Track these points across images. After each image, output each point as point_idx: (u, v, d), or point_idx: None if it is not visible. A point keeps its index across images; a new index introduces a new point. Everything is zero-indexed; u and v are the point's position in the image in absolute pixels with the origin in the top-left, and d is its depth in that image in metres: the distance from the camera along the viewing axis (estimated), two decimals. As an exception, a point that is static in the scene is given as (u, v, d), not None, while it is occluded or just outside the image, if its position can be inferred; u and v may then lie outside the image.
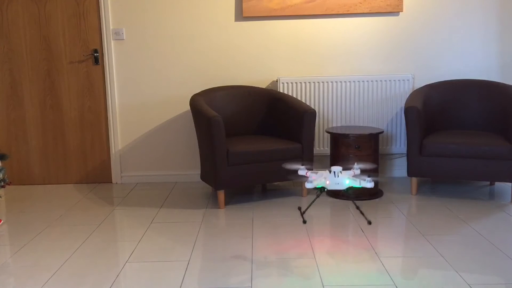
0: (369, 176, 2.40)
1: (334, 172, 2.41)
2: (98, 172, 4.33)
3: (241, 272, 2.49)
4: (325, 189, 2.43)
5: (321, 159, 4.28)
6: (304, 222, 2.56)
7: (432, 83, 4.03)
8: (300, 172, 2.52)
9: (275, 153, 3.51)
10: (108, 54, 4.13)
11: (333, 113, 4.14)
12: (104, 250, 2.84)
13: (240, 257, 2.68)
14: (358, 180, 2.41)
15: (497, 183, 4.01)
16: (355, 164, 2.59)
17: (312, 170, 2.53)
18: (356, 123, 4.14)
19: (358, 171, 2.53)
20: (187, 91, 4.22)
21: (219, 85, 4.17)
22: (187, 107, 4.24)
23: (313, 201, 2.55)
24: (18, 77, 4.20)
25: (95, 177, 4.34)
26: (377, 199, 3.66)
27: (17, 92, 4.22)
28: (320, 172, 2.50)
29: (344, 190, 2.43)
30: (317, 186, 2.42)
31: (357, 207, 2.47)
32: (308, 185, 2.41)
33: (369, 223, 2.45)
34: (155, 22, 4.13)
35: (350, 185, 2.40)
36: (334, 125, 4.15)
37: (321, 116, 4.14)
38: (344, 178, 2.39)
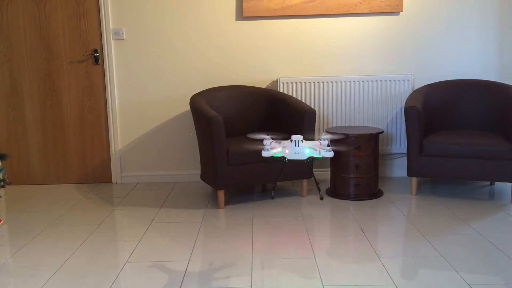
0: (328, 146, 2.34)
1: (295, 141, 2.35)
2: (98, 172, 4.33)
3: (241, 272, 2.49)
4: (286, 159, 2.37)
5: (321, 159, 4.29)
6: (272, 198, 2.47)
7: (432, 83, 4.03)
8: (265, 142, 2.48)
9: (275, 153, 3.51)
10: (108, 54, 4.13)
11: (333, 113, 4.14)
12: (104, 250, 2.84)
13: (240, 257, 2.68)
14: (318, 150, 2.35)
15: (497, 183, 4.01)
16: (323, 134, 2.53)
17: (277, 140, 2.47)
18: (356, 123, 4.14)
19: (326, 142, 2.45)
20: (187, 91, 4.22)
21: (219, 85, 4.17)
22: (187, 107, 4.24)
23: (280, 171, 2.48)
24: (18, 77, 4.20)
25: (95, 177, 4.34)
26: (377, 199, 3.66)
27: (17, 92, 4.22)
28: (283, 141, 2.45)
29: (304, 160, 2.38)
30: (274, 155, 2.37)
31: (317, 183, 2.42)
32: (264, 154, 2.34)
33: (321, 198, 2.40)
34: (155, 22, 4.13)
35: (311, 155, 2.35)
36: (334, 125, 4.15)
37: (321, 116, 4.14)
38: (305, 148, 2.34)
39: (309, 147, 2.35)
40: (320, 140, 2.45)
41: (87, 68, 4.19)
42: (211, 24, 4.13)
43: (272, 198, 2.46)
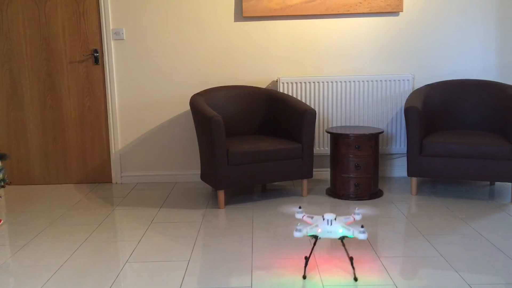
0: (362, 227, 2.36)
1: (328, 220, 2.35)
2: (98, 172, 4.33)
3: (241, 272, 2.49)
4: (318, 237, 2.38)
5: (321, 159, 4.29)
6: (304, 277, 2.48)
7: (432, 83, 4.03)
8: (297, 216, 2.51)
9: (275, 153, 3.51)
10: (108, 54, 4.13)
11: (333, 113, 4.14)
12: (104, 250, 2.84)
13: (240, 257, 2.68)
14: (351, 230, 2.35)
15: (497, 183, 4.01)
16: (356, 208, 2.54)
17: (309, 215, 2.51)
18: (356, 123, 4.14)
19: (359, 216, 2.46)
20: (187, 91, 4.22)
21: (219, 85, 4.17)
22: (187, 107, 4.24)
23: (312, 249, 2.51)
24: (18, 77, 4.20)
25: (95, 177, 4.34)
26: (377, 199, 3.66)
27: (17, 92, 4.22)
28: (315, 217, 2.46)
29: (337, 238, 2.39)
30: (308, 235, 2.38)
31: (350, 259, 2.43)
32: (296, 235, 2.35)
33: (355, 279, 2.41)
34: (155, 22, 4.13)
35: (344, 235, 2.35)
36: (334, 125, 4.15)
37: (321, 116, 4.14)
38: (337, 227, 2.34)
39: (342, 226, 2.34)
40: (354, 215, 2.45)
41: (87, 68, 4.19)
42: (211, 24, 4.13)
43: (305, 278, 2.45)
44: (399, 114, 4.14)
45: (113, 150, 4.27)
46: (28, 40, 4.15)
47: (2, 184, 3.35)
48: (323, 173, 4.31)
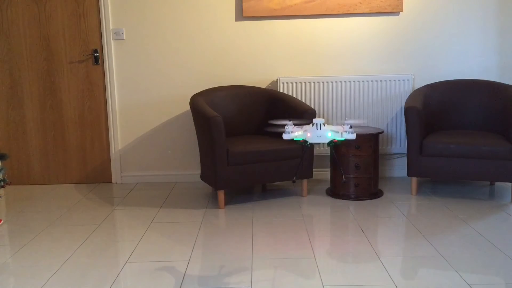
0: (350, 127, 2.30)
1: (317, 124, 2.30)
2: (98, 172, 4.33)
3: (241, 272, 2.49)
4: (308, 143, 2.34)
5: (321, 159, 4.29)
6: (294, 181, 2.46)
7: (432, 83, 4.03)
8: (287, 128, 2.44)
9: (275, 153, 3.51)
10: (108, 54, 4.13)
11: (333, 113, 4.14)
12: (104, 250, 2.84)
13: (240, 257, 2.68)
14: (340, 132, 2.31)
15: (497, 183, 4.01)
16: (346, 119, 2.49)
17: (298, 125, 2.45)
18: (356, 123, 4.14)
19: (348, 126, 2.42)
20: (187, 91, 4.22)
21: (219, 85, 4.17)
22: (187, 107, 4.24)
23: (302, 156, 2.45)
24: (18, 77, 4.20)
25: (95, 177, 4.34)
26: (377, 199, 3.66)
27: (17, 92, 4.22)
28: (304, 126, 2.40)
29: (327, 143, 2.33)
30: (295, 139, 2.33)
31: (339, 165, 2.39)
32: (285, 136, 2.29)
33: (294, 181, 2.40)
34: (155, 22, 4.13)
35: (333, 138, 2.31)
36: (334, 125, 4.15)
37: (321, 116, 4.14)
38: (326, 131, 2.30)
39: (331, 130, 2.30)
40: (344, 125, 2.41)
41: (87, 68, 4.19)
42: (211, 24, 4.13)
43: (294, 181, 2.48)
44: (399, 114, 4.14)
45: (113, 150, 4.27)
46: (28, 40, 4.15)
47: (2, 184, 3.35)
48: (323, 173, 4.31)
